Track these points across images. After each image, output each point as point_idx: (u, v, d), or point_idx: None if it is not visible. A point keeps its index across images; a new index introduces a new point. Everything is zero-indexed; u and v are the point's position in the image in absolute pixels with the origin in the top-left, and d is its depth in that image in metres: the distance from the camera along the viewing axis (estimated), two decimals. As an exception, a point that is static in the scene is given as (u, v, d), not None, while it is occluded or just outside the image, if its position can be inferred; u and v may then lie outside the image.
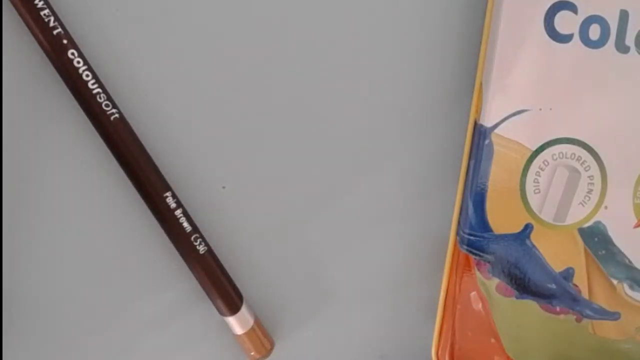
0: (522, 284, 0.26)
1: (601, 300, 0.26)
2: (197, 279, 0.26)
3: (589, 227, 0.25)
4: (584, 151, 0.25)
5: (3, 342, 0.26)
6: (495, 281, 0.26)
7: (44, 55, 0.24)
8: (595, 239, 0.26)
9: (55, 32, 0.23)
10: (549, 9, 0.24)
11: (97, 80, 0.24)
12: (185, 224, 0.25)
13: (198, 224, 0.26)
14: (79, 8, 0.24)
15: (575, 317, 0.26)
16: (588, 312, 0.26)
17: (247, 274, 0.26)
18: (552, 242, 0.26)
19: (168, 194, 0.25)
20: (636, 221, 0.25)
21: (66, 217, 0.25)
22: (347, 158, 0.26)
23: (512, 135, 0.25)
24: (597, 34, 0.24)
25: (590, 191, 0.25)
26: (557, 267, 0.26)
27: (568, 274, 0.26)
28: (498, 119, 0.25)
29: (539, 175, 0.25)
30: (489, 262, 0.26)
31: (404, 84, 0.26)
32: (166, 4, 0.25)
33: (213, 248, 0.26)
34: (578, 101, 0.25)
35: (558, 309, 0.26)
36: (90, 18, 0.24)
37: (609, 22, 0.24)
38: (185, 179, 0.26)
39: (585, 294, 0.26)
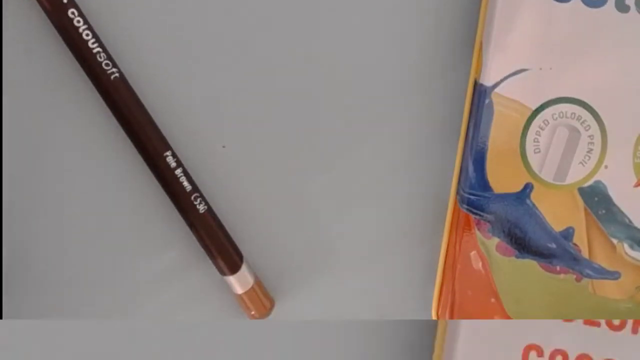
0: (522, 244, 0.26)
1: (601, 259, 0.26)
2: (197, 239, 0.26)
3: (589, 187, 0.25)
4: (584, 110, 0.25)
5: (3, 299, 0.26)
6: (495, 241, 0.26)
7: (44, 14, 0.24)
8: (596, 199, 0.25)
9: (55, -11, 0.23)
10: (549, -34, 0.24)
11: (97, 40, 0.24)
12: (185, 183, 0.25)
13: (198, 183, 0.26)
14: (79, -35, 0.24)
15: (575, 276, 0.26)
16: (588, 271, 0.26)
17: (247, 234, 0.26)
18: (552, 201, 0.25)
19: (168, 153, 0.25)
20: (636, 180, 0.25)
21: (66, 176, 0.25)
22: (346, 118, 0.26)
23: (512, 95, 0.25)
24: (597, -8, 0.24)
25: (590, 151, 0.25)
26: (557, 226, 0.26)
27: (568, 234, 0.26)
28: (498, 78, 0.25)
29: (539, 135, 0.25)
30: (489, 221, 0.26)
31: (403, 43, 0.26)
32: (166, -38, 0.25)
33: (213, 207, 0.26)
34: (578, 61, 0.25)
35: (558, 268, 0.26)
36: (90, -24, 0.24)
37: (610, -20, 0.24)
38: (185, 138, 0.26)
39: (585, 254, 0.26)
